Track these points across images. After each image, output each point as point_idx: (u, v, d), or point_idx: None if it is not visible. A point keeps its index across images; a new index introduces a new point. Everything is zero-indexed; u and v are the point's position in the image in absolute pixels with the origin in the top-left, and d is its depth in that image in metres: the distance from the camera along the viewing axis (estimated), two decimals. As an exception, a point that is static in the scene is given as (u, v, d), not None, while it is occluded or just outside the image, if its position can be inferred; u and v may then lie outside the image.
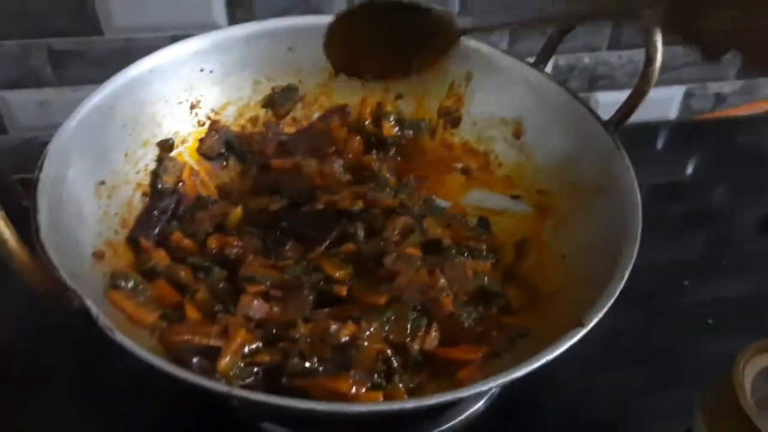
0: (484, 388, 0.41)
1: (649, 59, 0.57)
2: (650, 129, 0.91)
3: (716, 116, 1.21)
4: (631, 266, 0.49)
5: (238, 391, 0.40)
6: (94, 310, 0.42)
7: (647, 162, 0.83)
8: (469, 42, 0.68)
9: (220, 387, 0.40)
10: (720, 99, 1.31)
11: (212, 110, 0.67)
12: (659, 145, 0.89)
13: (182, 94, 0.66)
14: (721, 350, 0.52)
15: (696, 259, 0.73)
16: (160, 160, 0.63)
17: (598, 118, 0.61)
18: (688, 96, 1.27)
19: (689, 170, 0.86)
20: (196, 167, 0.66)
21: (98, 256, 0.53)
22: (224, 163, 0.68)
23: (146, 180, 0.62)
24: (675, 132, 0.92)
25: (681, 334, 0.65)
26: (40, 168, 0.51)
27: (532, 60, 0.67)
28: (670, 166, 0.85)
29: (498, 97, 0.68)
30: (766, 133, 0.93)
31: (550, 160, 0.64)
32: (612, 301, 0.47)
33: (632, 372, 0.62)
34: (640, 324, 0.66)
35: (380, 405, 0.42)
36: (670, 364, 0.62)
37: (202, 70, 0.66)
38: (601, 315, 0.46)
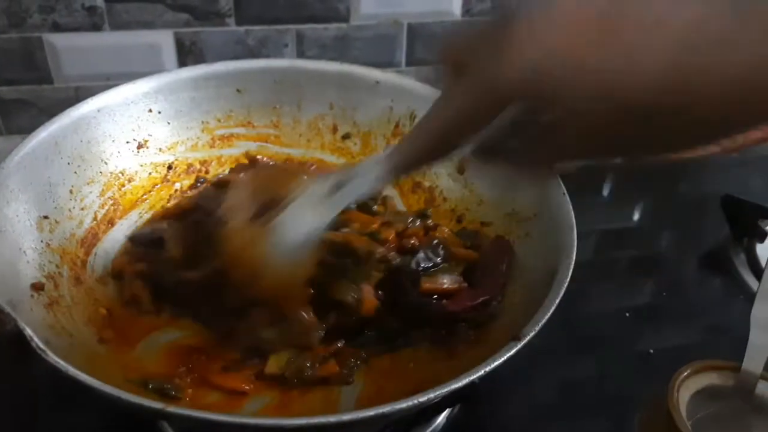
0: (422, 399, 0.41)
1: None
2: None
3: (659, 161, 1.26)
4: (566, 284, 0.50)
5: (172, 408, 0.40)
6: (28, 331, 0.42)
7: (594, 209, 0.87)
8: (411, 82, 0.71)
9: (153, 405, 0.40)
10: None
11: (159, 149, 0.68)
12: (605, 191, 0.92)
13: (130, 133, 0.67)
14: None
15: (643, 304, 0.74)
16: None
17: (534, 149, 0.63)
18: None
19: (635, 216, 0.88)
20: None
21: (37, 287, 0.52)
22: None
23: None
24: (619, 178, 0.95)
25: (628, 377, 0.65)
26: (-21, 200, 0.51)
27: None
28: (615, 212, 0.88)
29: (441, 134, 0.70)
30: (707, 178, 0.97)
31: (491, 191, 0.66)
32: (547, 316, 0.47)
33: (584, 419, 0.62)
34: (590, 369, 0.66)
35: (316, 419, 0.41)
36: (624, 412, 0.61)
37: (150, 111, 0.68)
38: (536, 329, 0.46)
